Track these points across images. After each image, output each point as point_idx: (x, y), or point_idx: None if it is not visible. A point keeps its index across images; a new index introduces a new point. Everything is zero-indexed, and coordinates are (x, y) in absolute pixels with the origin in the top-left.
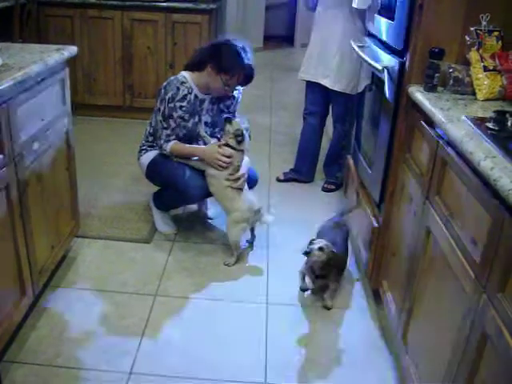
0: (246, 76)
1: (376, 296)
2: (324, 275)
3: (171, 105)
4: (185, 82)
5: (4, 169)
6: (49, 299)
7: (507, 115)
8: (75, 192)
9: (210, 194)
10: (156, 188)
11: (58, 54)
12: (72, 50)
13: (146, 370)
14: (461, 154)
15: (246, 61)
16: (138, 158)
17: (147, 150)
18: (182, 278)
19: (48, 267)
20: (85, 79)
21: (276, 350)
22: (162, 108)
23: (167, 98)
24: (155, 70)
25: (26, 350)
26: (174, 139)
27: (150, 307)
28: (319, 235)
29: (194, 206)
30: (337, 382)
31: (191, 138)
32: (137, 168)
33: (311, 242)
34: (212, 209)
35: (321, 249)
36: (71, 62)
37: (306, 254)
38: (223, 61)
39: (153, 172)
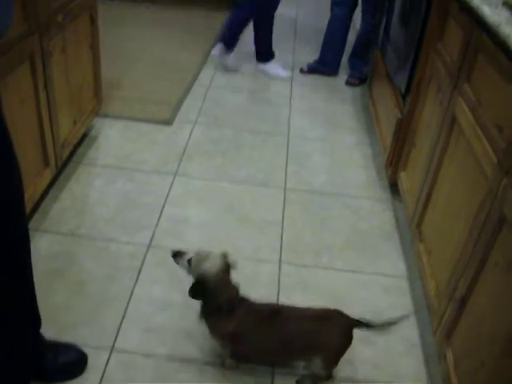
0: None
1: (393, 188)
2: None
3: None
4: None
5: (29, 38)
6: (71, 174)
7: None
8: (98, 70)
9: None
10: None
11: None
12: None
13: (164, 244)
14: (496, 39)
15: None
16: None
17: None
18: (202, 160)
19: (70, 141)
20: None
21: (292, 232)
22: None
23: None
24: None
25: (49, 219)
26: None
27: (169, 186)
28: None
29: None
30: (348, 265)
31: None
32: (159, 53)
33: None
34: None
35: None
36: None
37: None
38: None
39: None
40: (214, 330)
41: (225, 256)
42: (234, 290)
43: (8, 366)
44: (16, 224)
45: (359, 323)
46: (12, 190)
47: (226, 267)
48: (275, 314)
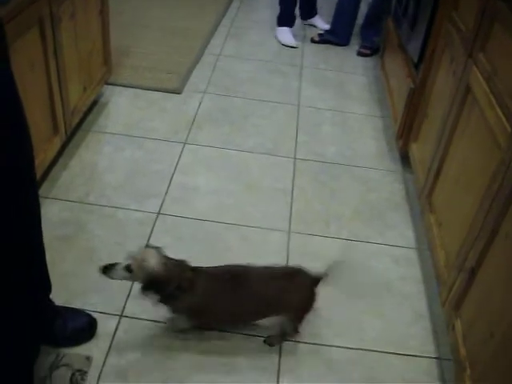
0: None
1: (403, 160)
2: None
3: None
4: None
5: (38, 2)
6: (80, 141)
7: None
8: (107, 37)
9: None
10: None
11: None
12: None
13: (173, 212)
14: None
15: None
16: None
17: None
18: (211, 129)
19: (80, 109)
20: None
21: (301, 201)
22: None
23: None
24: None
25: (58, 187)
26: None
27: (178, 154)
28: None
29: None
30: (357, 235)
31: None
32: (169, 21)
33: None
34: None
35: None
36: None
37: None
38: None
39: None
40: (177, 309)
41: (157, 248)
42: (185, 268)
43: (19, 331)
44: (27, 191)
45: (322, 278)
46: (23, 156)
47: (165, 256)
48: (237, 276)
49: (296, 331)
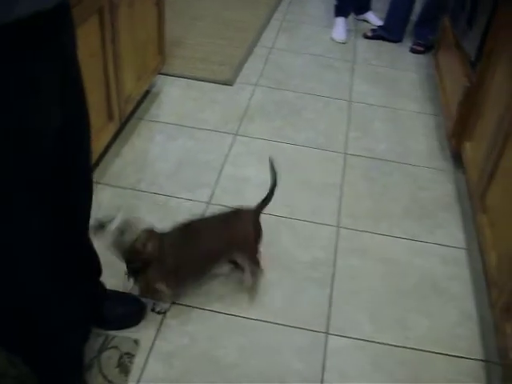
0: None
1: (455, 159)
2: None
3: None
4: None
5: None
6: (133, 129)
7: None
8: (162, 27)
9: None
10: None
11: None
12: None
13: (223, 202)
14: None
15: None
16: None
17: None
18: (262, 122)
19: (134, 97)
20: None
21: (351, 196)
22: None
23: None
24: None
25: (110, 173)
26: None
27: (229, 145)
28: None
29: None
30: (406, 233)
31: None
32: (221, 13)
33: None
34: None
35: None
36: None
37: None
38: None
39: None
40: (149, 283)
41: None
42: (154, 236)
43: (72, 311)
44: (84, 175)
45: (262, 207)
46: (86, 136)
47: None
48: (191, 229)
49: (257, 265)
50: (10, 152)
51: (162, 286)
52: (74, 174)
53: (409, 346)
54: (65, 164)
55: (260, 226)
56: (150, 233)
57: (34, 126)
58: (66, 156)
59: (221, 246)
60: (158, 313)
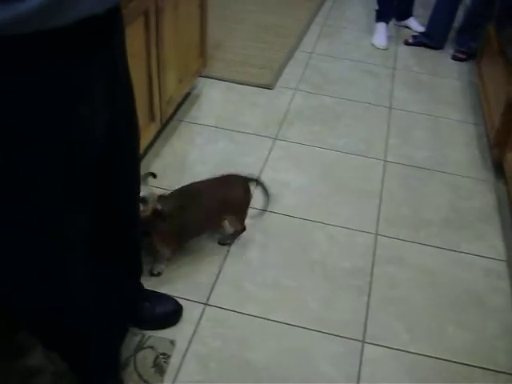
0: None
1: (497, 169)
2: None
3: None
4: None
5: None
6: (173, 131)
7: None
8: (205, 30)
9: None
10: None
11: None
12: None
13: (261, 205)
14: None
15: None
16: None
17: None
18: (302, 126)
19: (175, 99)
20: None
21: (390, 204)
22: None
23: None
24: None
25: None
26: None
27: (269, 149)
28: None
29: None
30: (445, 243)
31: None
32: (262, 17)
33: None
34: None
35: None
36: None
37: None
38: None
39: None
40: (157, 240)
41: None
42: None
43: (111, 310)
44: (132, 176)
45: (251, 179)
46: (134, 135)
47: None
48: (192, 193)
49: (243, 228)
50: (57, 162)
51: (162, 247)
52: (122, 178)
53: (445, 358)
54: (113, 170)
55: (250, 192)
56: (152, 196)
57: (79, 135)
58: (113, 160)
59: (217, 206)
60: (158, 274)
